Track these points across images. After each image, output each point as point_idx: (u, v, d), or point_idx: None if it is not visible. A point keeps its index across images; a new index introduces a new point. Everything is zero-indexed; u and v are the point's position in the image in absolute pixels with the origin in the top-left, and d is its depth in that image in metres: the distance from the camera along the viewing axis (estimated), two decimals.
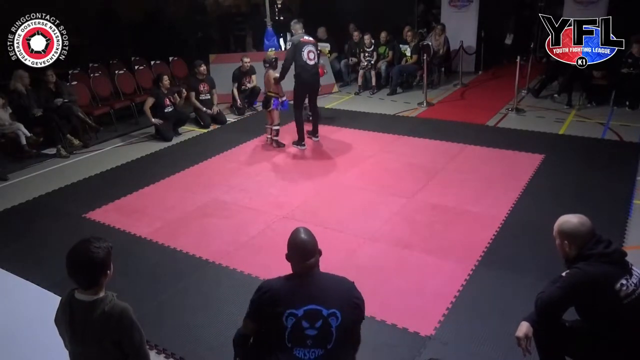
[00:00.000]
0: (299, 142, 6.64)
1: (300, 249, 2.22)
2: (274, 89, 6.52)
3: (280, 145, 6.70)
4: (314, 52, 6.41)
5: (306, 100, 6.80)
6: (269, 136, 6.80)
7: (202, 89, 7.97)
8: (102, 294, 2.11)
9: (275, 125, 6.67)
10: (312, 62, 6.36)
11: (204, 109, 7.89)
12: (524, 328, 2.40)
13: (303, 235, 2.26)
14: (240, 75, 8.50)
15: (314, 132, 6.86)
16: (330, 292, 2.18)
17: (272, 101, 6.50)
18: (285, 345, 2.11)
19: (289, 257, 2.26)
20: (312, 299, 2.13)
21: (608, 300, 2.25)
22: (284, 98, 6.59)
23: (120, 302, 2.13)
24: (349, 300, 2.19)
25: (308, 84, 6.49)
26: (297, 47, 6.29)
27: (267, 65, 6.57)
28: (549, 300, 2.35)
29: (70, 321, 2.11)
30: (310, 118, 6.90)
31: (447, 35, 10.03)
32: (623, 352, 2.29)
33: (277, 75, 6.44)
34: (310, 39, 6.52)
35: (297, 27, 6.57)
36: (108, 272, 2.12)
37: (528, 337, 2.37)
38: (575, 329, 2.43)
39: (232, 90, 8.50)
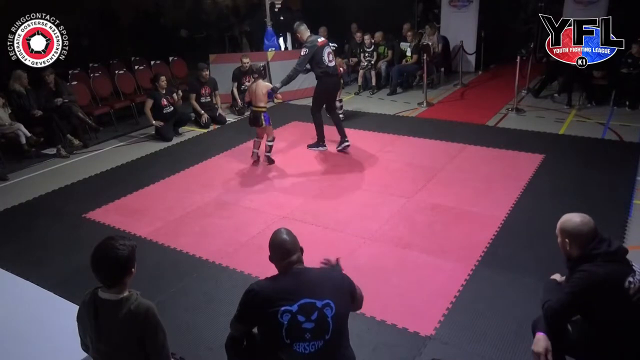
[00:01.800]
0: (319, 144, 6.45)
1: (279, 248, 2.25)
2: (264, 102, 5.85)
3: (271, 162, 6.08)
4: (332, 53, 6.17)
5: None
6: (256, 150, 6.17)
7: (203, 92, 7.96)
8: (126, 293, 2.11)
9: (270, 141, 6.05)
10: (332, 64, 6.13)
11: (202, 112, 7.84)
12: (542, 342, 2.32)
13: (281, 235, 2.28)
14: (240, 75, 8.50)
15: (343, 137, 6.43)
16: (320, 284, 2.20)
17: (262, 117, 5.83)
18: (283, 342, 2.11)
19: (271, 258, 2.30)
20: (304, 293, 2.14)
21: (618, 299, 2.23)
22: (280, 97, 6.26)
23: (145, 300, 2.13)
24: (339, 289, 2.23)
25: (333, 86, 6.33)
26: (317, 52, 5.93)
27: (257, 75, 6.01)
28: (560, 307, 2.32)
29: (96, 320, 2.11)
30: None
31: (447, 35, 10.02)
32: (629, 351, 2.29)
33: (270, 84, 6.01)
34: (324, 39, 6.21)
35: (301, 28, 6.14)
36: (132, 270, 2.12)
37: (549, 351, 2.30)
38: (579, 331, 2.42)
39: (232, 90, 8.51)
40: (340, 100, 7.83)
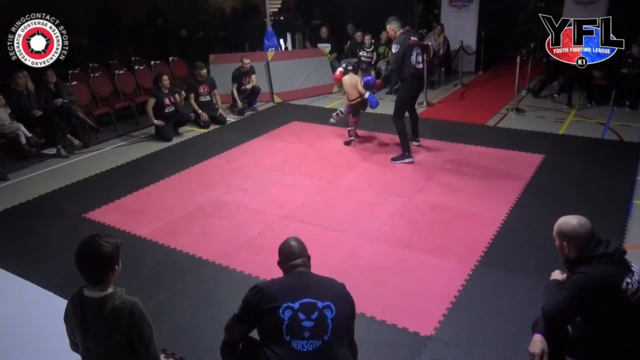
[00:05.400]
0: (404, 155, 5.94)
1: (287, 251, 2.39)
2: (354, 95, 6.37)
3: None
4: (421, 55, 5.91)
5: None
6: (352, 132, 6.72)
7: (201, 90, 7.96)
8: (110, 290, 2.12)
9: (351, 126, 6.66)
10: (420, 66, 5.87)
11: (199, 111, 7.82)
12: (538, 343, 2.35)
13: (290, 241, 2.43)
14: (240, 76, 8.49)
15: (415, 136, 6.40)
16: (323, 287, 2.29)
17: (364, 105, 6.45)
18: (283, 338, 2.14)
19: (279, 262, 2.41)
20: (307, 292, 2.21)
21: (616, 300, 2.24)
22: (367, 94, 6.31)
23: (130, 296, 2.14)
24: (341, 296, 2.30)
25: (418, 89, 6.14)
26: (407, 50, 5.65)
27: (352, 68, 6.35)
28: (557, 310, 2.33)
29: (82, 319, 2.12)
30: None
31: (447, 35, 10.03)
32: (629, 352, 2.29)
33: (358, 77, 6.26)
34: (415, 38, 5.89)
35: (395, 24, 5.83)
36: (116, 267, 2.13)
37: (545, 353, 2.33)
38: (579, 331, 2.42)
39: (232, 91, 8.50)
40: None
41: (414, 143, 6.37)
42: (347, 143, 6.67)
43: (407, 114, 6.19)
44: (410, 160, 5.94)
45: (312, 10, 11.95)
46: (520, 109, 7.93)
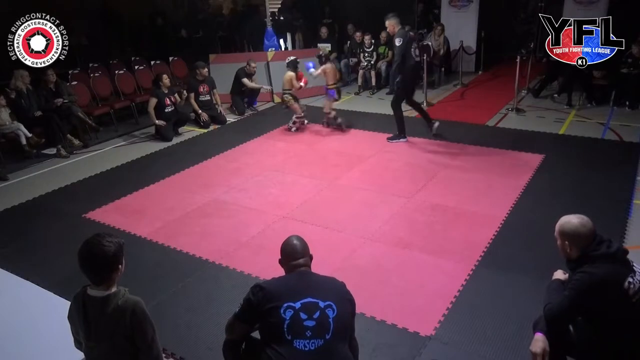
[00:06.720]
0: (400, 136, 6.64)
1: (289, 250, 2.38)
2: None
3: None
4: (418, 49, 6.47)
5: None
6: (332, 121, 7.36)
7: (201, 90, 7.96)
8: (114, 289, 2.13)
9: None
10: (418, 59, 6.49)
11: (200, 111, 7.83)
12: (540, 342, 2.34)
13: (292, 240, 2.42)
14: (244, 76, 8.47)
15: (428, 121, 6.77)
16: (324, 287, 2.30)
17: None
18: (284, 338, 2.14)
19: (281, 261, 2.41)
20: (308, 292, 2.21)
21: (618, 300, 2.23)
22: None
23: (133, 296, 2.15)
24: (342, 295, 2.31)
25: (416, 80, 6.73)
26: (408, 44, 6.19)
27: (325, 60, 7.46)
28: (559, 310, 2.32)
29: (85, 318, 2.12)
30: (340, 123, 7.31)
31: (447, 35, 10.04)
32: (630, 352, 2.28)
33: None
34: (413, 34, 6.56)
35: (394, 21, 6.33)
36: (119, 267, 2.13)
37: (546, 352, 2.32)
38: (580, 331, 2.42)
39: (244, 81, 8.40)
40: (335, 110, 7.60)
41: (434, 125, 6.70)
42: (339, 125, 7.26)
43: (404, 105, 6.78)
44: (405, 140, 6.63)
45: (322, 9, 11.92)
46: (520, 109, 7.92)
